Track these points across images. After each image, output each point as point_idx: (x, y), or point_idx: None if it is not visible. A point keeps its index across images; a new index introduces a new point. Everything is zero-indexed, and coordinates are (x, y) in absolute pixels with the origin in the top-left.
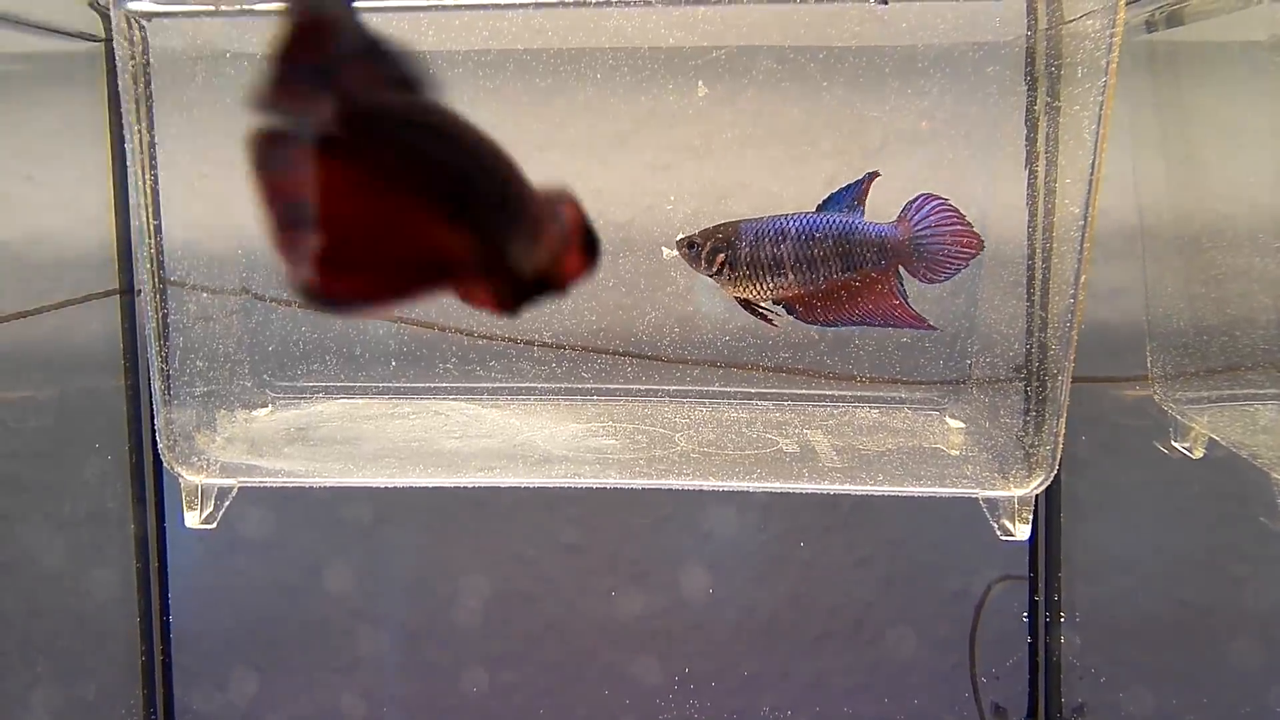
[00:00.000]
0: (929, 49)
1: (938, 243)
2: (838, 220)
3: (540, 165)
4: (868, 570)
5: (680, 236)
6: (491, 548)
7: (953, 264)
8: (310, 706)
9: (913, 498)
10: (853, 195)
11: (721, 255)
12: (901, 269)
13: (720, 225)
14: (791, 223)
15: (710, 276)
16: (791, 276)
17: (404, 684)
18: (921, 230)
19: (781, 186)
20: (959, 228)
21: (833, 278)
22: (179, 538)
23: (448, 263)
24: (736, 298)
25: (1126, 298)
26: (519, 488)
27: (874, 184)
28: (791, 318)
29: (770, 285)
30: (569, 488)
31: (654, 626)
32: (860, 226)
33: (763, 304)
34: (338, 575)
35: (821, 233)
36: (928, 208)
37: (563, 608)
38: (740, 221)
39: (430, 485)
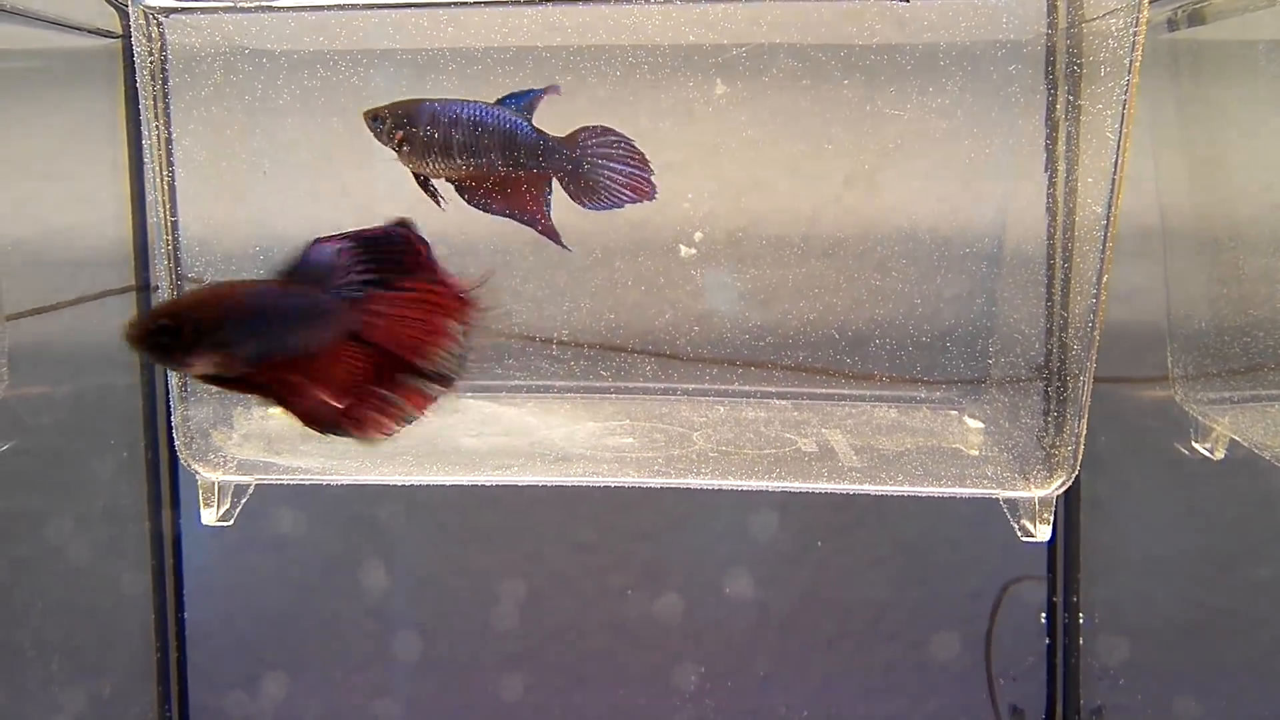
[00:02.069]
0: (950, 47)
1: (598, 171)
2: (505, 117)
3: None
4: (883, 570)
5: (367, 109)
6: (506, 546)
7: (609, 198)
8: (324, 705)
9: (928, 497)
10: (527, 100)
11: (401, 132)
12: (557, 183)
13: (405, 102)
14: (465, 110)
15: (398, 151)
16: (459, 160)
17: (418, 683)
18: (585, 153)
19: (799, 184)
20: (630, 169)
21: (495, 168)
22: (195, 535)
23: None
24: (412, 172)
25: (1146, 298)
26: (533, 486)
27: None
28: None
29: (441, 165)
30: (584, 486)
31: (669, 626)
32: (523, 129)
33: (435, 181)
34: (352, 573)
35: (489, 125)
36: (599, 138)
37: (578, 606)
38: (423, 101)
39: (447, 483)
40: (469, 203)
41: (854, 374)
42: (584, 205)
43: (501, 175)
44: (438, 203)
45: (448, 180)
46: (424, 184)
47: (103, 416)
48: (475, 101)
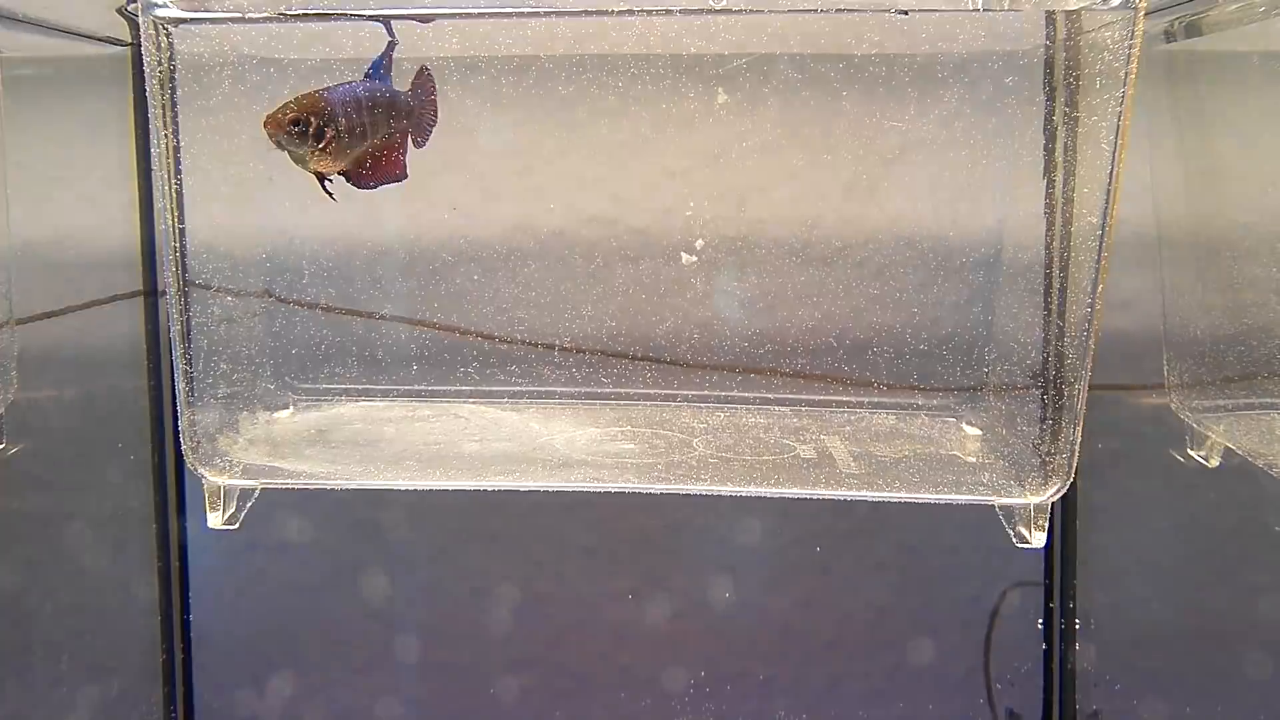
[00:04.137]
0: (948, 58)
1: (426, 112)
2: (384, 88)
3: (561, 170)
4: (882, 575)
5: (269, 115)
6: (508, 551)
7: (428, 131)
8: (328, 707)
9: (927, 504)
10: (380, 65)
11: (330, 129)
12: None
13: (305, 99)
14: (360, 91)
15: (313, 154)
16: (365, 141)
17: (421, 686)
18: (422, 98)
19: (799, 193)
20: (434, 98)
21: (379, 140)
22: (201, 538)
23: None
24: (317, 172)
25: (1142, 306)
26: (536, 491)
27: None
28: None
29: (354, 151)
30: (585, 492)
31: (670, 630)
32: (399, 95)
33: (334, 174)
34: (356, 577)
35: (379, 99)
36: (423, 81)
37: (579, 611)
38: (318, 95)
39: (450, 488)
40: (361, 186)
41: (853, 381)
42: (417, 145)
43: (381, 145)
44: (331, 196)
45: (339, 172)
46: (320, 180)
47: (111, 420)
48: (353, 82)
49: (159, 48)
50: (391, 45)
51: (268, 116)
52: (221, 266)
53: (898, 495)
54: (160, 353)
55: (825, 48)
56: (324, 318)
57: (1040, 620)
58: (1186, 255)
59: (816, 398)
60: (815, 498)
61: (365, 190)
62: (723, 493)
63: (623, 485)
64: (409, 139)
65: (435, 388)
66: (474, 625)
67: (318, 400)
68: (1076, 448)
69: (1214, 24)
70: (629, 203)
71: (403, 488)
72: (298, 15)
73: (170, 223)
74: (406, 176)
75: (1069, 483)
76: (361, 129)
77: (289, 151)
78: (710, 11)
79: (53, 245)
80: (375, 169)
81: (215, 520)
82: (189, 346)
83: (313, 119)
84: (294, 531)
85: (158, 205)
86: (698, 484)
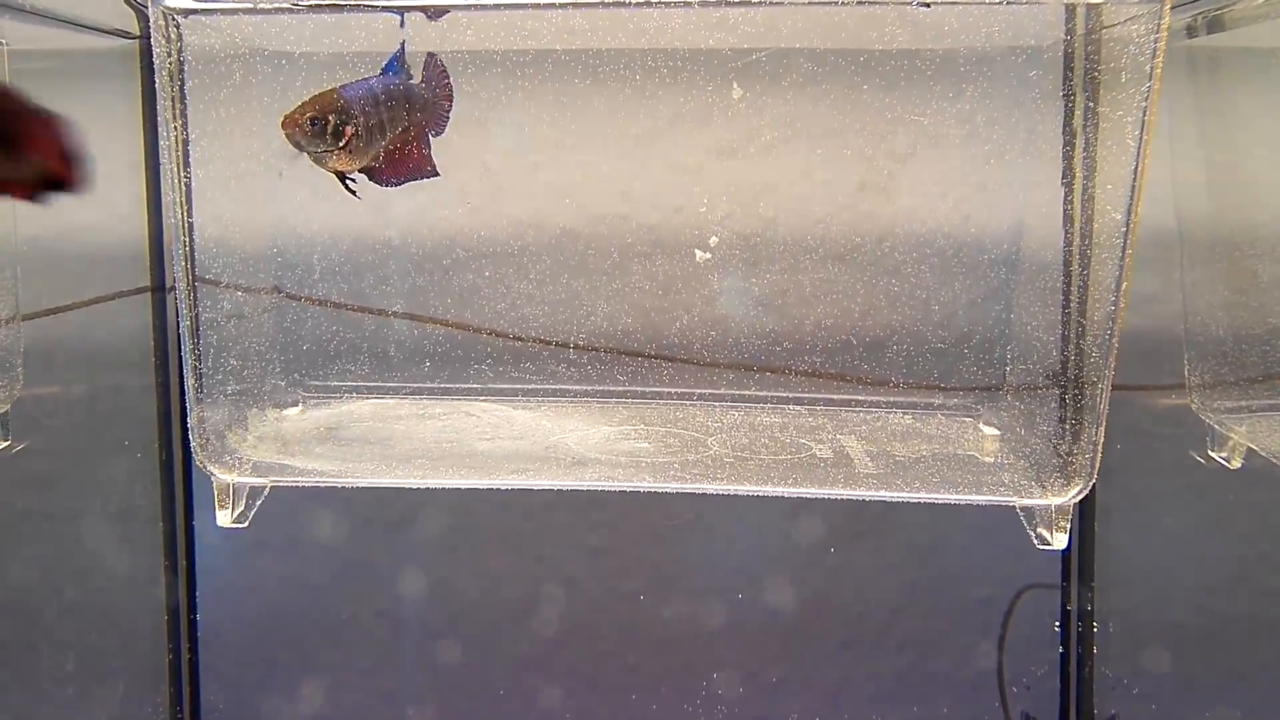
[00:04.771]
0: (968, 53)
1: (442, 99)
2: (399, 82)
3: (574, 166)
4: (896, 576)
5: (286, 115)
6: (519, 550)
7: (444, 122)
8: (334, 707)
9: (941, 505)
10: (397, 59)
11: (349, 127)
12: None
13: (322, 98)
14: (377, 86)
15: (333, 152)
16: (384, 140)
17: (428, 685)
18: (436, 89)
19: (815, 189)
20: (447, 82)
21: (398, 135)
22: (208, 536)
23: None
24: (338, 171)
25: (1161, 305)
26: (547, 490)
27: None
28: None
29: (374, 148)
30: (597, 490)
31: (680, 631)
32: (414, 90)
33: (356, 172)
34: (365, 576)
35: (395, 94)
36: (436, 67)
37: (590, 611)
38: (334, 93)
39: (462, 486)
40: (384, 184)
41: (869, 380)
42: (435, 134)
43: (399, 140)
44: (355, 194)
45: (360, 170)
46: (342, 179)
47: (117, 417)
48: (369, 78)
49: (168, 40)
50: (404, 40)
51: (285, 117)
52: (231, 262)
53: (916, 495)
54: (168, 349)
55: (844, 42)
56: (334, 314)
57: (1057, 623)
58: (1208, 253)
59: (833, 396)
60: (831, 498)
61: (389, 188)
62: (738, 492)
63: (637, 484)
64: (428, 133)
65: (446, 385)
66: (483, 626)
67: (328, 397)
68: (1099, 448)
69: (1237, 19)
70: (642, 199)
71: (413, 486)
72: (309, 6)
73: (179, 217)
74: (438, 174)
75: (1091, 483)
76: (379, 124)
77: (308, 152)
78: (727, 4)
79: (59, 240)
80: (396, 165)
81: (224, 518)
82: (198, 343)
83: (330, 117)
84: (303, 530)
85: (166, 200)
86: (713, 483)
